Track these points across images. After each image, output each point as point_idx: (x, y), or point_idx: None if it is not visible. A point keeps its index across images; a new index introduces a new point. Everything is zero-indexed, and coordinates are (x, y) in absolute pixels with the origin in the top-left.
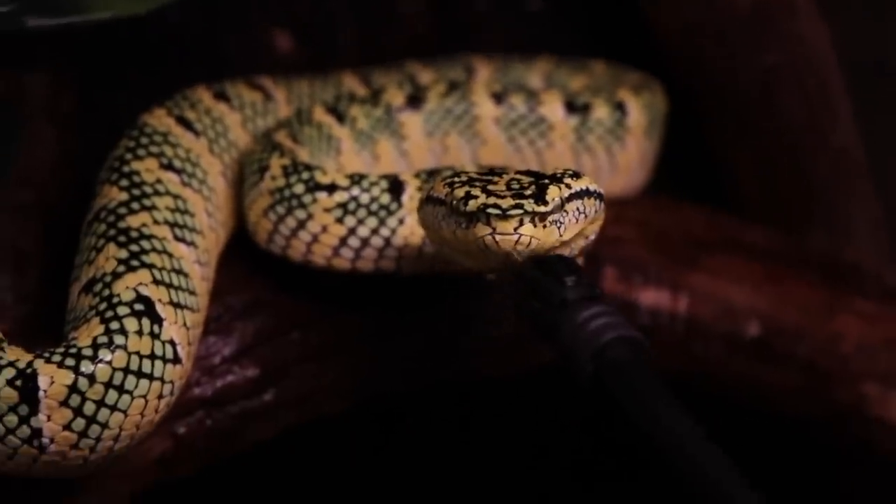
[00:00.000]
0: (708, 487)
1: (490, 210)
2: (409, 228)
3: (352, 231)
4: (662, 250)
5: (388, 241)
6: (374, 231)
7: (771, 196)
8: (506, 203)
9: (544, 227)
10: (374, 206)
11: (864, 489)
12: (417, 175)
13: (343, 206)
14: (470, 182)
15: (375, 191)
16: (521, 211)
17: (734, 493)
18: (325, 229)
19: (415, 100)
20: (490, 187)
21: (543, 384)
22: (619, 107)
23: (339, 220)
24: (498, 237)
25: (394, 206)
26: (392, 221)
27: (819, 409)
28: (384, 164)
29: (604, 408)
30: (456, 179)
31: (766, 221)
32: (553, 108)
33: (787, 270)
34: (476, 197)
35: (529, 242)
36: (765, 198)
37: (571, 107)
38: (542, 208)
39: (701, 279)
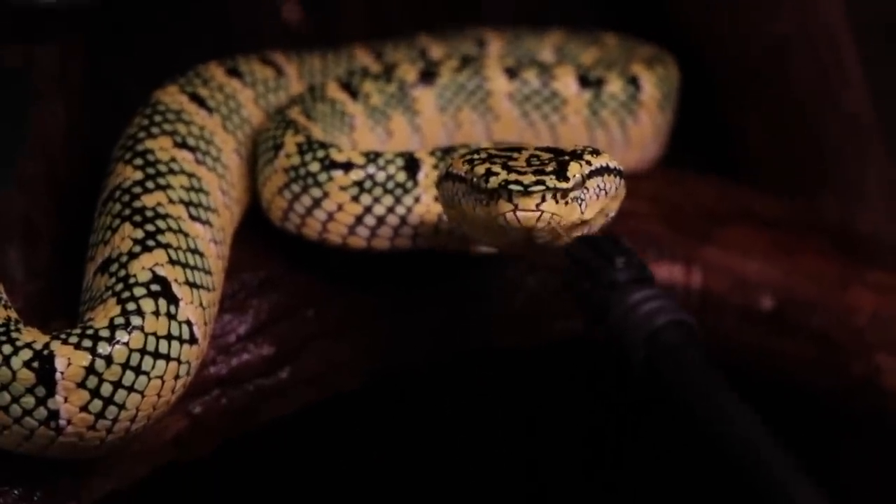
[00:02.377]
0: (764, 477)
1: (512, 186)
2: (424, 206)
3: (368, 209)
4: (676, 224)
5: (404, 220)
6: (391, 209)
7: (783, 163)
8: (527, 179)
9: (566, 203)
10: (390, 185)
11: (874, 461)
12: (433, 153)
13: (359, 184)
14: (490, 158)
15: (391, 169)
16: (542, 187)
17: (792, 485)
18: (340, 208)
19: (428, 75)
20: (510, 163)
21: (557, 356)
22: (633, 81)
23: (356, 199)
24: (520, 214)
25: (410, 184)
26: (408, 199)
27: (832, 380)
28: (397, 140)
29: (656, 391)
30: (475, 156)
31: (778, 190)
32: (566, 83)
33: (800, 241)
34: (497, 173)
35: (551, 219)
36: (777, 165)
37: (585, 81)
38: (564, 185)
39: (714, 252)
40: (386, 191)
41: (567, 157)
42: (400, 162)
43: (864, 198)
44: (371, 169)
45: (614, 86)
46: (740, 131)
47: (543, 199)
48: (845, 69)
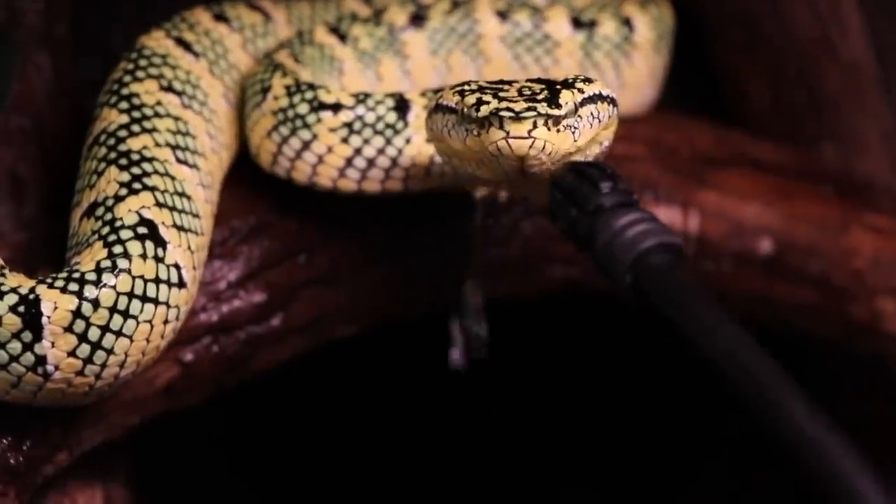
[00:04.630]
0: (758, 393)
1: (503, 113)
2: (415, 148)
3: (358, 151)
4: (672, 168)
5: (394, 161)
6: (381, 151)
7: (781, 110)
8: (518, 106)
9: (558, 131)
10: (379, 126)
11: (874, 406)
12: (423, 94)
13: (348, 125)
14: (481, 89)
15: (381, 109)
16: (534, 113)
17: (784, 397)
18: (330, 150)
19: (418, 19)
20: (501, 94)
21: (552, 304)
22: (626, 22)
23: (345, 140)
24: (511, 141)
25: (400, 125)
26: (398, 141)
27: (833, 325)
28: (387, 84)
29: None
30: (466, 87)
31: (776, 136)
32: (559, 25)
33: (798, 186)
34: (488, 102)
35: (544, 146)
36: (774, 112)
37: (577, 23)
38: (556, 111)
39: (711, 197)
40: (376, 132)
41: (559, 86)
42: (390, 102)
43: (862, 146)
44: (360, 110)
45: (607, 27)
46: (736, 78)
47: (535, 126)
48: (843, 15)
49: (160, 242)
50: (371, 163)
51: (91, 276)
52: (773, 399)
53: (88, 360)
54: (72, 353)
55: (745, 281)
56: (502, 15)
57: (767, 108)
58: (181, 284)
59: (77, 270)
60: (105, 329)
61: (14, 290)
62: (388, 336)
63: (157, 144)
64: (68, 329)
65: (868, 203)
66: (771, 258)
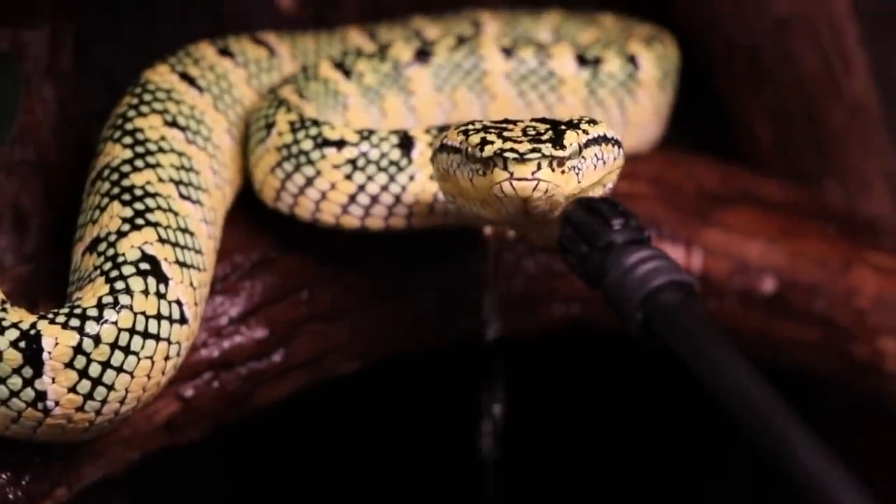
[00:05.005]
0: (765, 434)
1: (507, 154)
2: (419, 185)
3: (361, 188)
4: (676, 206)
5: (398, 198)
6: (384, 188)
7: (785, 148)
8: (523, 147)
9: (563, 172)
10: (383, 162)
11: (877, 445)
12: (428, 131)
13: (352, 162)
14: (485, 129)
15: (385, 146)
16: (539, 155)
17: (793, 437)
18: (333, 186)
19: (423, 54)
20: (506, 133)
21: (556, 343)
22: (631, 60)
23: (349, 177)
24: (515, 182)
25: (404, 162)
26: (402, 178)
27: (835, 364)
28: (392, 120)
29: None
30: (471, 127)
31: (780, 174)
32: (564, 62)
33: (802, 224)
34: (492, 142)
35: (547, 189)
36: (779, 150)
37: (582, 60)
38: (561, 153)
39: (715, 235)
40: (380, 169)
41: (564, 127)
42: (394, 139)
43: (866, 184)
44: (364, 146)
45: (612, 65)
46: (741, 115)
47: (539, 167)
48: (847, 54)
49: (162, 279)
50: (374, 200)
51: (92, 312)
52: (780, 441)
53: (89, 396)
54: (72, 389)
55: (749, 319)
56: (507, 52)
57: (771, 145)
58: (182, 321)
59: (78, 306)
60: (106, 365)
61: (15, 326)
62: (389, 370)
63: (161, 180)
64: (69, 365)
65: (871, 242)
66: (774, 297)
